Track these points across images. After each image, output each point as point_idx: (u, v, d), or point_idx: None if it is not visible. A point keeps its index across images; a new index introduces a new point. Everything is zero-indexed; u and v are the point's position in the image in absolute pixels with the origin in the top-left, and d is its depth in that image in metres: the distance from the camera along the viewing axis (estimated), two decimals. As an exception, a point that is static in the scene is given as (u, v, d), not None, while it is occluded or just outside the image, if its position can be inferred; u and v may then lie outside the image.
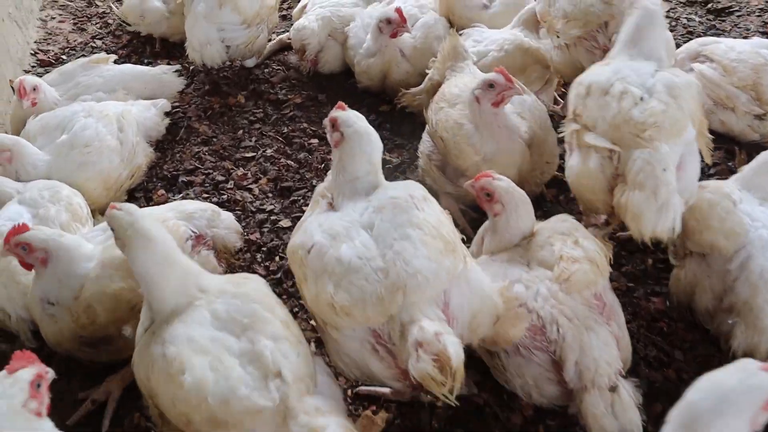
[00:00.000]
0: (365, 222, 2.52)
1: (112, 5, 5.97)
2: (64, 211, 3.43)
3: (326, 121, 2.80)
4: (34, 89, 4.14)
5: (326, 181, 2.82)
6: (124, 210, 2.46)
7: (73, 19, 6.16)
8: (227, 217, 3.37)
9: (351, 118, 2.72)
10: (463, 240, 2.67)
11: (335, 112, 2.76)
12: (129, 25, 5.63)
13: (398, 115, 4.56)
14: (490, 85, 3.36)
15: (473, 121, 3.49)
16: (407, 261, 2.37)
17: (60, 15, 6.22)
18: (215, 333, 2.32)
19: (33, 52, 5.63)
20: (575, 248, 2.68)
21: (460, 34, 4.49)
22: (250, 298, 2.41)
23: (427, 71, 4.28)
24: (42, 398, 2.11)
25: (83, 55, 5.59)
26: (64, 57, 5.60)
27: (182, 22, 5.04)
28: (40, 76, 5.22)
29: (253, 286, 2.51)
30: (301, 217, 2.84)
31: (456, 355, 2.23)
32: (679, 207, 2.81)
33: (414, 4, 4.78)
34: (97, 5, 6.34)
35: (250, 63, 5.18)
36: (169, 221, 3.06)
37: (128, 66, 4.67)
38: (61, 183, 3.64)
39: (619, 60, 3.19)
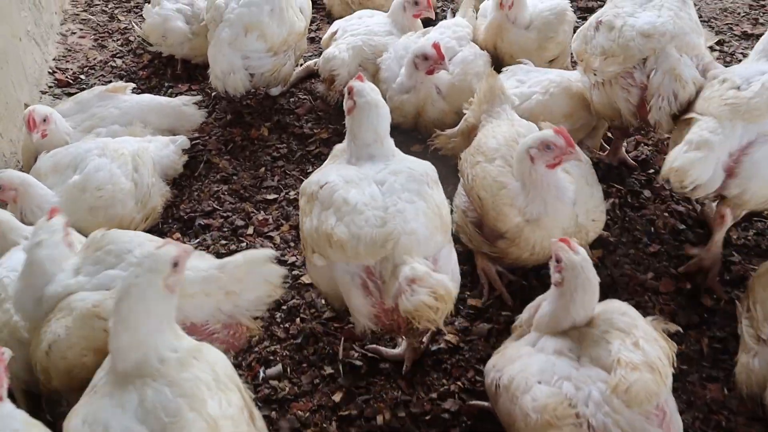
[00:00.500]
0: (378, 179, 2.81)
1: (134, 24, 5.72)
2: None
3: (344, 89, 3.05)
4: (45, 120, 3.90)
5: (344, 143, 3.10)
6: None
7: (94, 34, 5.93)
8: None
9: (365, 89, 2.97)
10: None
11: (353, 81, 3.02)
12: (150, 44, 5.37)
13: (431, 157, 4.23)
14: (548, 146, 3.03)
15: (521, 179, 3.16)
16: (406, 220, 2.65)
17: (81, 30, 5.99)
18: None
19: (51, 71, 5.40)
20: (635, 351, 2.36)
21: (503, 71, 4.20)
22: (181, 390, 2.09)
23: (464, 111, 3.97)
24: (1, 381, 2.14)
25: (102, 75, 5.37)
26: (82, 77, 5.37)
27: (205, 43, 4.80)
28: (57, 98, 5.07)
29: (197, 371, 2.17)
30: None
31: (446, 284, 2.53)
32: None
33: (452, 36, 4.45)
34: (119, 20, 6.11)
35: (275, 91, 4.91)
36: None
37: (146, 97, 4.40)
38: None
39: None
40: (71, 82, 5.30)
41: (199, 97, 4.67)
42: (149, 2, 5.49)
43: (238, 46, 4.41)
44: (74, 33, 5.96)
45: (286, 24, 4.46)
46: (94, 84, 5.23)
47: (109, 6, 6.33)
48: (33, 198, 3.53)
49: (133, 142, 3.91)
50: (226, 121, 4.73)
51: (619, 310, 2.59)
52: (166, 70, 5.35)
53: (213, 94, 4.94)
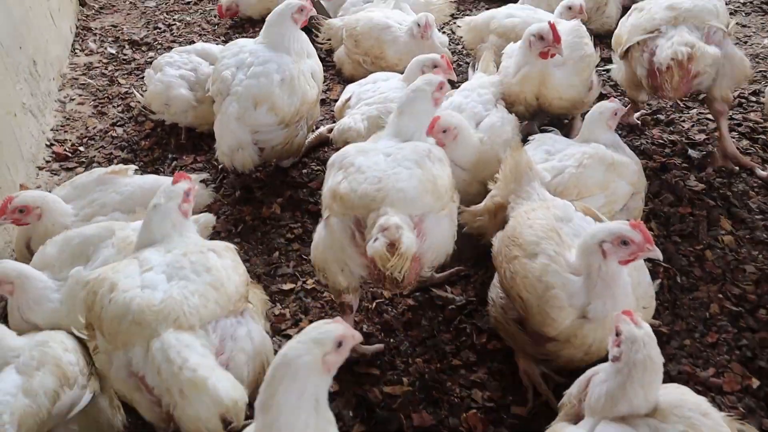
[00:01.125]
0: (386, 151, 3.17)
1: (135, 91, 5.43)
2: (49, 375, 2.83)
3: None
4: (22, 211, 3.55)
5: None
6: None
7: (94, 100, 5.65)
8: None
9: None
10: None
11: None
12: (153, 113, 5.07)
13: (458, 236, 3.92)
14: (625, 242, 2.69)
15: (587, 273, 2.79)
16: (397, 180, 2.99)
17: (80, 95, 5.72)
18: None
19: (48, 143, 5.11)
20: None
21: (528, 142, 3.88)
22: None
23: (489, 187, 3.64)
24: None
25: (102, 147, 5.09)
26: (81, 148, 5.08)
27: (210, 111, 4.51)
28: (55, 173, 4.78)
29: None
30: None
31: (407, 243, 2.77)
32: None
33: (477, 100, 4.12)
34: (119, 83, 5.83)
35: (286, 163, 4.60)
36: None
37: (149, 178, 4.05)
38: (52, 336, 3.04)
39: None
40: (70, 155, 5.00)
41: (205, 175, 4.34)
42: (151, 67, 5.22)
43: (247, 121, 4.11)
44: (73, 99, 5.69)
45: (298, 93, 4.15)
46: (94, 156, 4.94)
47: (109, 69, 6.07)
48: (30, 292, 3.18)
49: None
50: (234, 198, 4.41)
51: (699, 408, 2.21)
52: (170, 140, 5.05)
53: (220, 167, 4.62)
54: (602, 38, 5.44)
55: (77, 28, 6.77)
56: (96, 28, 6.77)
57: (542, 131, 4.11)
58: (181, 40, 6.39)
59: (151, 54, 6.20)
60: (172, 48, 6.19)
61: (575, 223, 3.09)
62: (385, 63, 5.13)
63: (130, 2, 7.29)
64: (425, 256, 3.06)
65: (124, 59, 6.16)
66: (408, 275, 2.88)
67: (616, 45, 4.43)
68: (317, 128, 4.86)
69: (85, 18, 6.99)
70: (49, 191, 3.85)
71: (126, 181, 3.97)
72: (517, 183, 3.40)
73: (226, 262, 2.83)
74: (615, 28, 4.55)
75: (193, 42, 6.26)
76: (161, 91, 4.94)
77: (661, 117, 4.89)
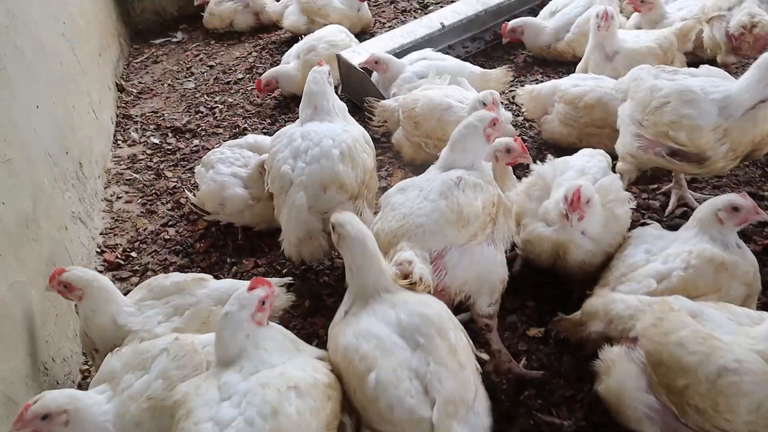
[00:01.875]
0: (421, 185, 3.32)
1: (187, 193, 5.14)
2: None
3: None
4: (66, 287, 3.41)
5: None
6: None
7: (141, 196, 5.41)
8: None
9: None
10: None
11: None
12: (206, 213, 4.80)
13: (553, 342, 3.56)
14: (736, 207, 3.24)
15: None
16: (419, 215, 3.11)
17: (127, 193, 5.49)
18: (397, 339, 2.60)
19: (99, 250, 4.85)
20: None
21: (628, 237, 3.54)
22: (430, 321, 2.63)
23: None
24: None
25: (155, 251, 4.81)
26: (133, 254, 4.81)
27: (266, 208, 4.29)
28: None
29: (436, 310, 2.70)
30: None
31: (419, 275, 2.85)
32: None
33: (598, 165, 3.87)
34: (166, 177, 5.60)
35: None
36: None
37: (226, 283, 3.69)
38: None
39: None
40: (122, 262, 4.74)
41: (288, 279, 3.95)
42: (201, 164, 4.96)
43: (319, 208, 3.81)
44: (120, 197, 5.45)
45: (359, 164, 3.87)
46: (148, 263, 4.67)
47: (154, 160, 5.84)
48: (86, 423, 2.84)
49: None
50: (304, 309, 4.08)
51: None
52: (226, 241, 4.77)
53: (284, 269, 4.31)
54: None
55: (117, 116, 6.58)
56: (136, 116, 6.58)
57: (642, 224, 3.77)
58: (225, 124, 6.16)
59: (195, 142, 5.97)
60: (216, 133, 6.00)
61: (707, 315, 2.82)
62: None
63: (168, 84, 7.11)
64: (450, 288, 3.12)
65: (168, 149, 5.94)
66: None
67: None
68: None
69: (124, 105, 6.81)
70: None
71: (202, 289, 3.64)
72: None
73: (306, 404, 2.49)
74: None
75: (238, 125, 6.06)
76: (215, 191, 4.66)
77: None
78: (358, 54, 5.84)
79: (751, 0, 5.19)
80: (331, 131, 3.89)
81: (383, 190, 4.67)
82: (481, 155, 3.43)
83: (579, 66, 5.46)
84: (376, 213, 4.12)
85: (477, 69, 5.51)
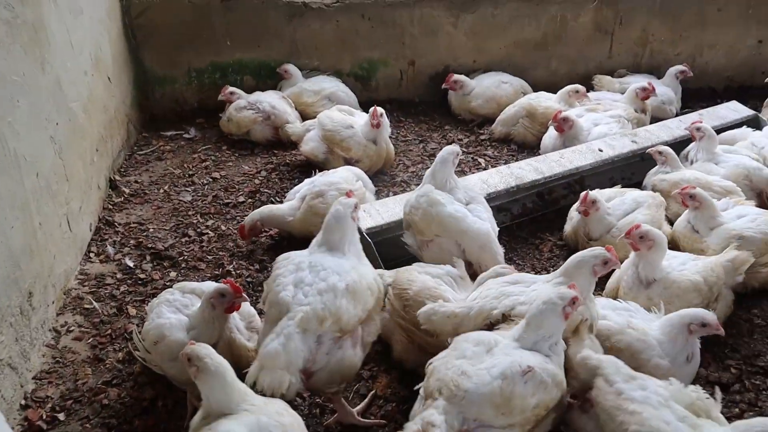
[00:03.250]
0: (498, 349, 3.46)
1: (135, 335, 4.46)
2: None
3: None
4: None
5: None
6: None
7: (94, 335, 4.79)
8: None
9: None
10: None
11: None
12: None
13: None
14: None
15: None
16: (470, 380, 3.28)
17: (79, 327, 4.88)
18: None
19: (23, 403, 4.16)
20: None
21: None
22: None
23: None
24: None
25: (86, 417, 4.11)
26: (61, 416, 4.13)
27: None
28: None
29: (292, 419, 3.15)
30: None
31: None
32: None
33: None
34: (128, 314, 4.94)
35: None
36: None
37: None
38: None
39: None
40: (44, 427, 4.01)
41: None
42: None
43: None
44: (71, 331, 4.79)
45: (361, 302, 3.76)
46: (74, 435, 3.94)
47: (121, 289, 5.19)
48: None
49: None
50: None
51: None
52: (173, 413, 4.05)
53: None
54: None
55: (99, 220, 5.98)
56: (119, 224, 5.98)
57: None
58: (209, 258, 5.53)
59: (172, 274, 5.34)
60: (197, 269, 5.41)
61: None
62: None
63: (164, 191, 6.54)
64: None
65: (140, 278, 5.29)
66: None
67: None
68: None
69: (111, 206, 6.23)
70: None
71: None
72: None
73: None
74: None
75: (222, 264, 5.44)
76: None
77: None
78: (368, 215, 5.24)
79: None
80: (340, 266, 3.78)
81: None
82: (556, 335, 3.48)
83: (608, 284, 4.82)
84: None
85: None
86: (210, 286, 4.17)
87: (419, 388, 3.47)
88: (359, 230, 4.98)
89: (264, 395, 3.29)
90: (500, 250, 4.86)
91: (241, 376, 3.36)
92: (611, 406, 3.29)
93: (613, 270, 4.32)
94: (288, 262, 3.86)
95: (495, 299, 3.92)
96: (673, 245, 5.14)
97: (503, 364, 3.27)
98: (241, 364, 3.62)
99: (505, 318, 3.80)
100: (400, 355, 4.29)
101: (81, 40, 5.94)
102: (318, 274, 3.70)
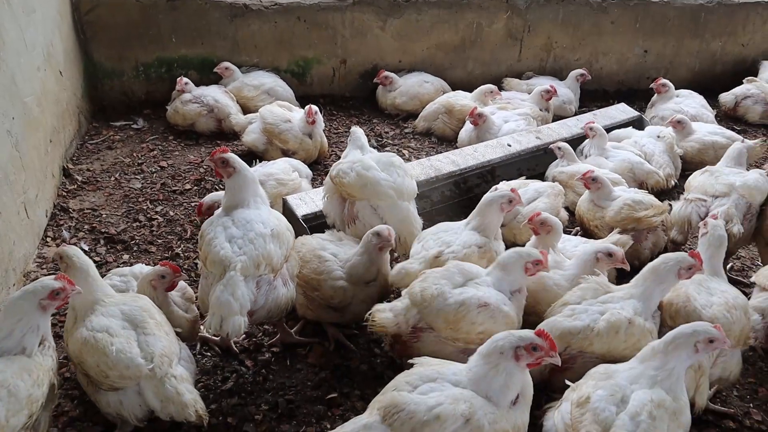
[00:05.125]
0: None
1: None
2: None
3: None
4: None
5: None
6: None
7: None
8: None
9: None
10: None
11: None
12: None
13: None
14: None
15: None
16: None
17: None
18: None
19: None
20: None
21: None
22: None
23: None
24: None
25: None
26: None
27: None
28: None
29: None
30: None
31: None
32: None
33: None
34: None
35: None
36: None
37: None
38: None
39: None
40: None
41: None
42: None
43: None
44: None
45: (285, 242, 4.12)
46: None
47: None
48: None
49: None
50: None
51: None
52: None
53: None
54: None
55: (55, 207, 5.99)
56: (74, 210, 6.01)
57: None
58: (159, 242, 5.65)
59: (125, 257, 5.44)
60: (148, 251, 5.52)
61: None
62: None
63: (115, 179, 6.57)
64: None
65: (95, 261, 5.16)
66: None
67: None
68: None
69: (65, 194, 6.23)
70: None
71: None
72: None
73: None
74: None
75: (171, 247, 5.57)
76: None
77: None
78: (303, 203, 5.47)
79: None
80: (260, 216, 4.05)
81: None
82: (520, 282, 4.09)
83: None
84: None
85: None
86: (145, 268, 4.51)
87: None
88: (297, 217, 5.25)
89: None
90: (419, 224, 5.04)
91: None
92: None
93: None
94: (214, 226, 4.01)
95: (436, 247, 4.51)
96: (579, 222, 5.76)
97: (468, 294, 3.84)
98: (182, 335, 4.09)
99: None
100: (300, 309, 4.62)
101: (33, 37, 5.90)
102: (245, 227, 3.94)
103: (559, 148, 6.51)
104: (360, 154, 5.05)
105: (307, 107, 6.73)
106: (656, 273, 4.03)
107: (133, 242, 5.62)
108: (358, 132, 5.28)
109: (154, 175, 6.69)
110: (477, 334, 3.78)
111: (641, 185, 6.42)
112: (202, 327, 4.42)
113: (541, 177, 6.55)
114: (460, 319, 3.80)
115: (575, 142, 6.91)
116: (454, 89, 8.32)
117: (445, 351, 3.86)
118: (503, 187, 5.78)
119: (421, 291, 3.92)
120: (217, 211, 4.19)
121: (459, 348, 3.85)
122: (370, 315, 4.02)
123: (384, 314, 3.99)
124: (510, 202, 4.60)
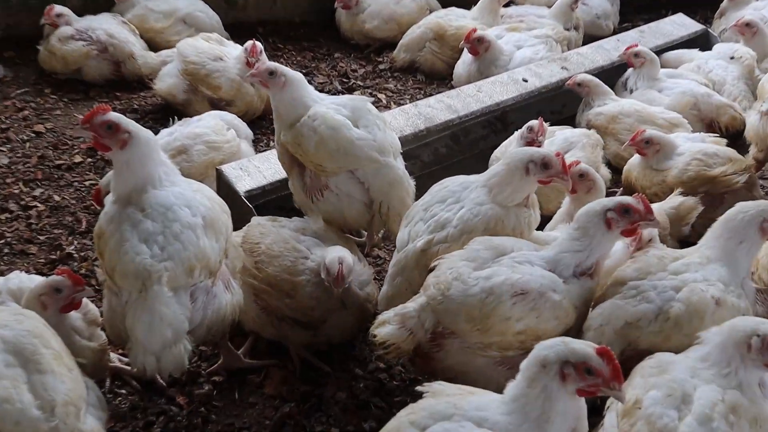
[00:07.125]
0: None
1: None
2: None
3: None
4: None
5: None
6: None
7: None
8: None
9: None
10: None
11: None
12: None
13: None
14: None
15: None
16: None
17: None
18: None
19: None
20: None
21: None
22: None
23: None
24: None
25: None
26: None
27: None
28: None
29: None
30: None
31: None
32: None
33: None
34: None
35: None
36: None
37: None
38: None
39: None
40: None
41: None
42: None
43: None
44: None
45: (222, 232, 3.96)
46: None
47: None
48: None
49: None
50: None
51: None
52: None
53: None
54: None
55: None
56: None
57: None
58: (41, 239, 5.42)
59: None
60: (26, 253, 5.37)
61: None
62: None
63: (-20, 154, 6.31)
64: None
65: None
66: None
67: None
68: None
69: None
70: None
71: None
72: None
73: None
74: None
75: (61, 247, 5.36)
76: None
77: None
78: (246, 174, 5.25)
79: None
80: (182, 196, 3.83)
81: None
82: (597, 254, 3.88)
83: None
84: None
85: None
86: (26, 279, 4.20)
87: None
88: (238, 193, 5.05)
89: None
90: (411, 187, 4.88)
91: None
92: None
93: None
94: (116, 222, 3.73)
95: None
96: (629, 191, 5.46)
97: (498, 277, 3.59)
98: (86, 369, 3.72)
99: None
100: (253, 324, 4.50)
101: None
102: (164, 217, 3.72)
103: (579, 84, 6.35)
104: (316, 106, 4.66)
105: (249, 43, 6.53)
106: (731, 228, 3.86)
107: (2, 241, 5.39)
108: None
109: (27, 145, 6.45)
110: (515, 336, 3.55)
111: (710, 125, 6.33)
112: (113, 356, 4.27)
113: (571, 123, 6.43)
114: (488, 314, 3.55)
115: (617, 71, 6.82)
116: (445, 6, 8.17)
117: (475, 363, 3.69)
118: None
119: (435, 283, 3.72)
120: (109, 201, 3.85)
121: (493, 358, 3.68)
122: (370, 332, 3.80)
123: (386, 329, 3.73)
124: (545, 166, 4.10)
